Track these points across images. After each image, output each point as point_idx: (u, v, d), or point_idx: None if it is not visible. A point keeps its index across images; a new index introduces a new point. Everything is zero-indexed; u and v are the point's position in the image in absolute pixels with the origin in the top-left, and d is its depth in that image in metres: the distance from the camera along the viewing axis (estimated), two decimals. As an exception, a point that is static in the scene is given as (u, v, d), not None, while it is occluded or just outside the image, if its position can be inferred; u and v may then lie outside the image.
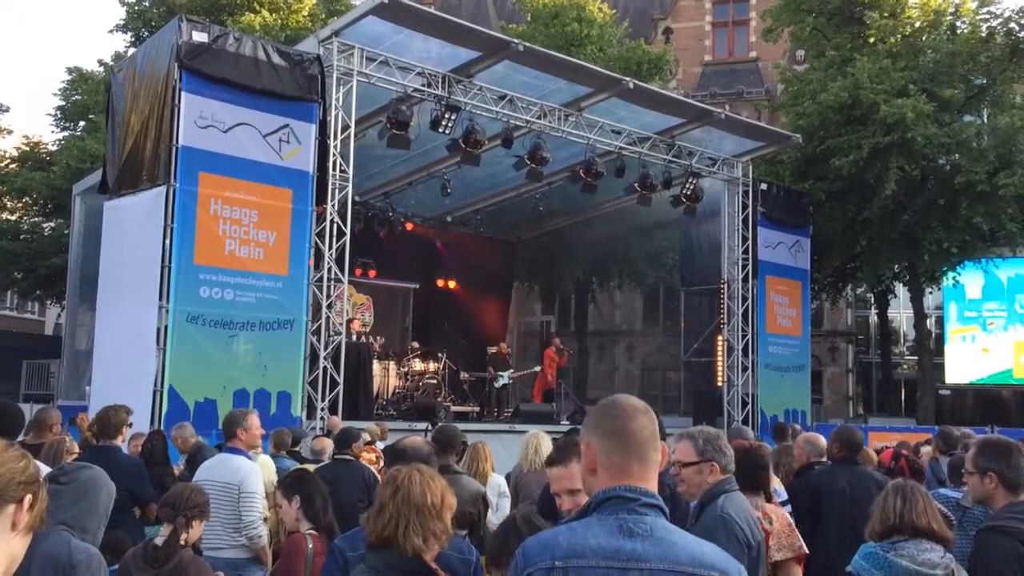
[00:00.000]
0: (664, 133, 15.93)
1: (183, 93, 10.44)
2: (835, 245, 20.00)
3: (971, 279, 22.40)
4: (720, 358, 17.27)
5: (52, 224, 24.60)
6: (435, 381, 16.39)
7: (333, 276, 11.86)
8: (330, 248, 11.74)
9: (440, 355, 17.07)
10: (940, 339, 26.69)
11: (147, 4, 25.16)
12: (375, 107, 13.36)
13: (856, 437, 5.82)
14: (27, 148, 26.19)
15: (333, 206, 11.83)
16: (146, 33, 22.39)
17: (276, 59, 11.17)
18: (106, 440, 5.81)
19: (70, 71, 25.36)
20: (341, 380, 11.72)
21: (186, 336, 10.30)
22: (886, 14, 19.38)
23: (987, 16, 19.32)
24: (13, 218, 25.83)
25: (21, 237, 24.47)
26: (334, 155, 11.86)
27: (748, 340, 17.21)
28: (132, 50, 20.66)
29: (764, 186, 17.64)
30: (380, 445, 8.65)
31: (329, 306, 11.82)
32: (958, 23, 19.88)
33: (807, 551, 3.96)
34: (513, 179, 16.61)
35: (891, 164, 17.46)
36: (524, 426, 12.61)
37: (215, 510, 4.47)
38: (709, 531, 3.02)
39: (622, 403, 2.10)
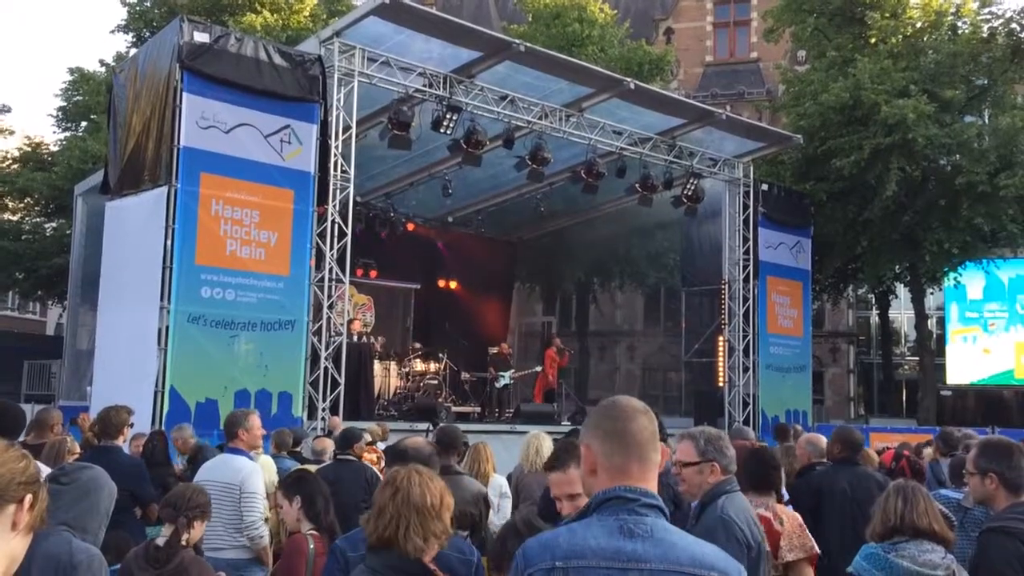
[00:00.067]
0: (665, 134, 15.93)
1: (184, 93, 10.44)
2: (836, 246, 19.98)
3: (972, 280, 22.36)
4: (721, 359, 17.26)
5: (53, 224, 24.61)
6: (436, 381, 16.39)
7: (334, 276, 11.87)
8: (331, 248, 11.75)
9: (441, 355, 17.07)
10: (941, 340, 26.67)
11: (148, 4, 25.20)
12: (376, 107, 13.38)
13: (856, 437, 5.82)
14: (29, 148, 26.22)
15: (334, 206, 11.84)
16: (147, 33, 22.42)
17: (277, 59, 11.18)
18: (107, 440, 5.82)
19: (72, 71, 25.43)
20: (342, 380, 11.71)
21: (187, 336, 10.29)
22: (887, 14, 19.37)
23: (988, 16, 19.31)
24: (15, 218, 25.87)
25: (23, 237, 24.52)
26: (335, 156, 11.86)
27: (749, 341, 17.19)
28: (133, 50, 20.72)
29: (765, 187, 17.62)
30: (381, 445, 8.66)
31: (330, 306, 11.82)
32: (959, 23, 19.84)
33: (819, 551, 3.96)
34: (514, 179, 16.61)
35: (892, 165, 17.45)
36: (525, 426, 12.59)
37: (216, 510, 4.46)
38: (709, 532, 3.04)
39: (622, 404, 2.10)
